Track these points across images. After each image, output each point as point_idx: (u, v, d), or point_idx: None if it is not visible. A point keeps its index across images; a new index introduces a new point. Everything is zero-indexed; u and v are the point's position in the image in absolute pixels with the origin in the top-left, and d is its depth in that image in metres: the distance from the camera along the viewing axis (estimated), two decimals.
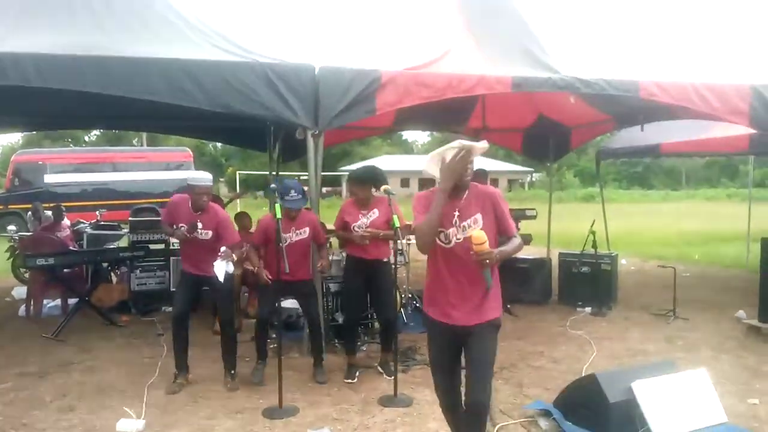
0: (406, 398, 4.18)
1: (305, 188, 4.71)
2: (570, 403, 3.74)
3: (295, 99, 4.95)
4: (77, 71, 4.49)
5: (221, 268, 4.35)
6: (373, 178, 4.83)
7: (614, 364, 5.02)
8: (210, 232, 4.50)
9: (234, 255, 4.51)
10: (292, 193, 4.41)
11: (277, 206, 4.04)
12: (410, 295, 6.51)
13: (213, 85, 4.74)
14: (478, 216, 2.83)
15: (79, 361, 5.13)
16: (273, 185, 4.24)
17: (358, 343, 5.41)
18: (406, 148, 64.34)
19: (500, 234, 2.90)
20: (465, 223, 2.82)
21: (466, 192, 2.87)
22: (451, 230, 2.83)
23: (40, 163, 17.95)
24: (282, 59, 5.05)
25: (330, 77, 5.01)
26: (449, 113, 8.20)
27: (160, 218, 5.55)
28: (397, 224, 4.12)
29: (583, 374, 4.66)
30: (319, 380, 4.51)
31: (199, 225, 4.43)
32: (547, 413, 3.81)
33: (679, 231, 16.75)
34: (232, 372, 4.62)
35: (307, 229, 4.60)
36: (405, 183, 44.35)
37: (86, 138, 46.01)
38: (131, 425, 3.69)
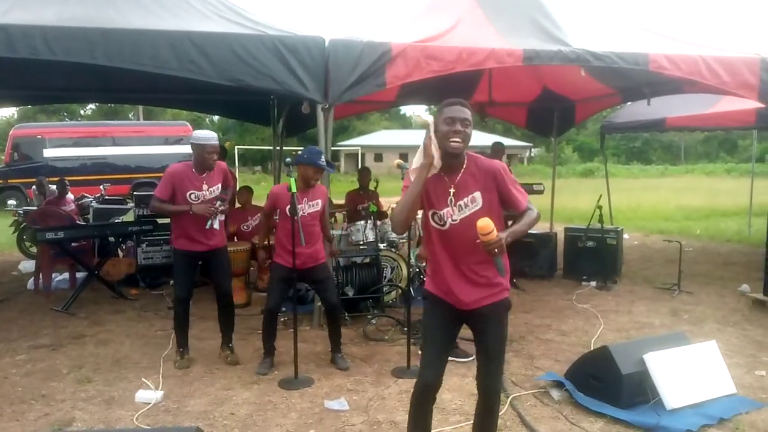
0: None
1: None
2: (582, 375, 3.80)
3: (304, 72, 4.91)
4: (85, 43, 4.44)
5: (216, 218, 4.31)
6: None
7: (622, 336, 5.08)
8: (219, 185, 4.41)
9: (225, 206, 4.37)
10: (322, 158, 4.26)
11: (292, 180, 3.98)
12: (417, 270, 6.54)
13: (222, 58, 4.70)
14: (477, 194, 2.53)
15: (91, 334, 5.17)
16: (289, 159, 4.15)
17: (368, 317, 5.47)
18: (405, 123, 63.90)
19: (508, 209, 2.62)
20: (462, 202, 2.53)
21: (463, 167, 2.56)
22: (446, 210, 2.55)
23: (39, 137, 17.82)
24: (292, 31, 5.00)
25: (340, 50, 4.97)
26: (453, 87, 8.12)
27: None
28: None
29: (592, 347, 4.74)
30: (340, 366, 4.35)
31: (205, 186, 4.29)
32: (559, 384, 3.87)
33: (679, 205, 16.81)
34: (230, 345, 4.57)
35: (320, 201, 4.38)
36: (404, 158, 43.79)
37: (82, 112, 45.60)
38: (150, 396, 3.74)
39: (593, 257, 7.21)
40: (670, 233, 11.74)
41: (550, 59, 5.46)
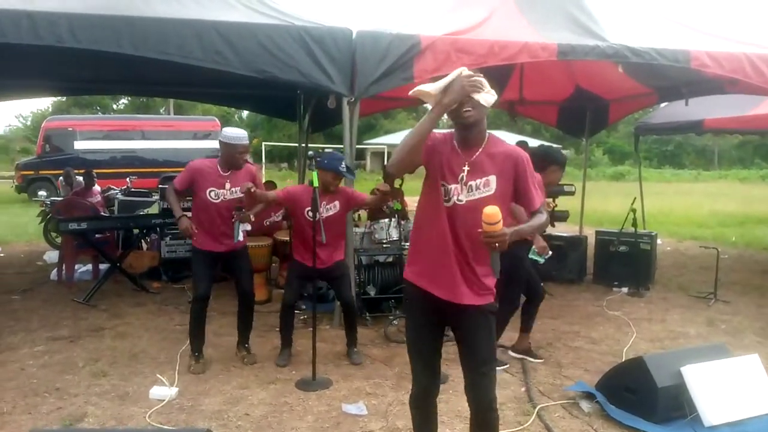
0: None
1: None
2: (614, 386, 3.59)
3: (331, 64, 4.79)
4: (111, 31, 4.37)
5: (239, 229, 4.19)
6: None
7: (655, 346, 4.85)
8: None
9: (251, 215, 4.23)
10: (344, 164, 4.13)
11: (314, 174, 3.87)
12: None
13: (247, 49, 4.60)
14: (492, 178, 2.29)
15: (110, 327, 5.13)
16: (311, 152, 4.03)
17: (390, 317, 5.32)
18: None
19: (519, 205, 2.43)
20: (473, 183, 2.29)
21: (482, 146, 2.34)
22: (454, 187, 2.31)
23: (70, 129, 18.09)
24: (319, 22, 4.87)
25: (368, 42, 4.83)
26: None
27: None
28: None
29: (624, 357, 4.53)
30: (354, 362, 4.33)
31: (227, 185, 4.15)
32: (589, 396, 3.67)
33: (713, 211, 16.30)
34: (246, 345, 4.47)
35: (338, 203, 4.26)
36: None
37: (114, 106, 46.34)
38: (165, 392, 3.65)
39: (625, 262, 6.94)
40: (704, 239, 11.37)
41: (586, 54, 5.24)
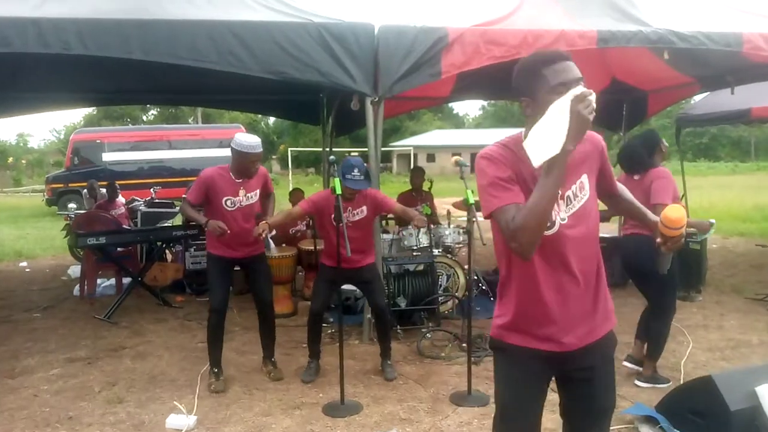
0: (482, 396, 3.72)
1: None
2: (679, 409, 3.19)
3: (352, 62, 4.49)
4: (121, 36, 4.15)
5: (268, 240, 4.07)
6: None
7: (716, 357, 4.42)
8: (258, 191, 4.09)
9: (268, 221, 4.00)
10: (355, 172, 3.85)
11: (337, 181, 3.57)
12: (475, 277, 6.01)
13: (263, 49, 4.34)
14: (585, 179, 1.82)
15: (130, 346, 4.90)
16: (332, 157, 3.74)
17: (423, 330, 4.98)
18: (457, 122, 63.20)
19: (608, 197, 2.02)
20: (570, 192, 1.78)
21: None
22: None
23: (98, 141, 18.22)
24: (338, 18, 4.58)
25: (391, 37, 4.51)
26: None
27: None
28: (472, 200, 3.60)
29: (682, 370, 4.13)
30: (388, 377, 4.04)
31: (242, 192, 3.98)
32: (650, 420, 3.28)
33: (756, 205, 15.52)
34: (272, 359, 4.26)
35: (365, 208, 4.04)
36: (459, 155, 43.45)
37: (144, 118, 47.03)
38: (182, 422, 3.37)
39: (674, 264, 6.45)
40: (751, 235, 10.78)
41: (628, 41, 4.84)
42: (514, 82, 1.78)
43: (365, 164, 4.00)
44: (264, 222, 3.94)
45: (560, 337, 1.80)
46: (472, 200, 3.56)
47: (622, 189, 2.06)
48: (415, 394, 3.83)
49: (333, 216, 3.86)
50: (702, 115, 9.06)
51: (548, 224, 1.71)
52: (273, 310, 4.26)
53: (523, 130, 1.81)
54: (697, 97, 9.46)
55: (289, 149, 31.24)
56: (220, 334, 4.06)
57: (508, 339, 1.88)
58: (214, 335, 4.03)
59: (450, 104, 41.15)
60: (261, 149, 3.98)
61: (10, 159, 42.10)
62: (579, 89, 1.58)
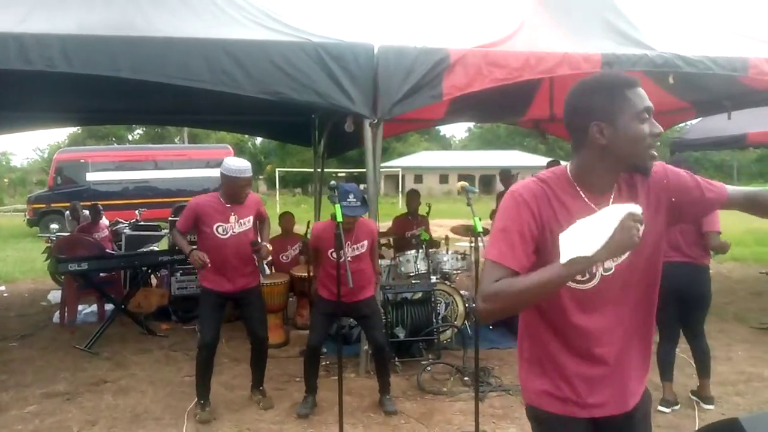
0: None
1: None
2: None
3: (351, 83, 4.34)
4: (108, 54, 3.96)
5: (263, 264, 3.97)
6: None
7: (728, 392, 4.25)
8: (251, 218, 3.92)
9: (268, 245, 3.91)
10: (351, 198, 3.67)
11: (338, 208, 3.37)
12: (474, 305, 5.80)
13: (259, 69, 4.17)
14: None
15: (112, 380, 4.61)
16: (333, 182, 3.55)
17: (422, 363, 4.76)
18: (444, 144, 63.44)
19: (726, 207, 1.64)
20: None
21: (621, 184, 1.57)
22: None
23: (82, 161, 17.87)
24: (337, 38, 4.43)
25: (391, 57, 4.37)
26: (507, 101, 7.45)
27: None
28: (480, 228, 3.42)
29: (696, 409, 3.93)
30: (387, 410, 3.85)
31: (233, 218, 3.83)
32: None
33: (747, 229, 15.52)
34: (261, 388, 4.14)
35: (366, 243, 3.91)
36: (444, 179, 43.56)
37: (129, 137, 46.62)
38: None
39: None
40: (744, 260, 10.70)
41: (633, 65, 4.72)
42: (580, 102, 1.52)
43: (361, 192, 3.82)
44: (266, 245, 3.85)
45: (595, 405, 1.60)
46: (480, 228, 3.37)
47: (733, 189, 1.66)
48: None
49: (331, 251, 3.76)
50: (697, 140, 9.05)
51: (583, 279, 1.52)
52: (266, 346, 4.13)
53: (567, 164, 1.61)
54: (692, 121, 9.45)
55: (277, 170, 31.08)
56: (209, 371, 3.89)
57: (545, 404, 1.63)
58: (202, 371, 3.85)
59: (437, 126, 41.43)
60: (251, 173, 3.86)
61: None
62: (639, 209, 1.34)
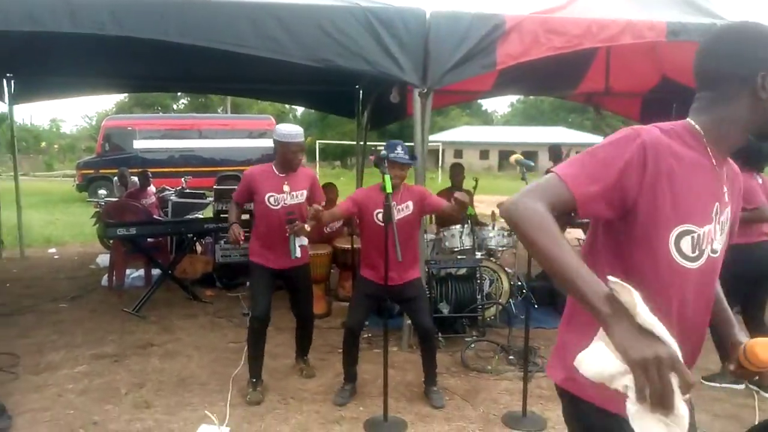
0: (538, 418, 3.40)
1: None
2: None
3: (400, 50, 4.20)
4: (156, 17, 3.92)
5: (295, 244, 3.70)
6: None
7: None
8: (304, 192, 3.81)
9: (307, 225, 3.68)
10: (399, 149, 3.50)
11: (387, 178, 3.25)
12: (519, 282, 5.67)
13: (306, 34, 4.07)
14: (728, 210, 1.43)
15: (159, 343, 4.68)
16: (384, 152, 3.42)
17: (467, 339, 4.68)
18: (486, 119, 62.36)
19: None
20: (724, 217, 1.40)
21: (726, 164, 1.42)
22: (707, 229, 1.33)
23: (129, 128, 18.18)
24: (387, 3, 4.28)
25: (443, 23, 4.20)
26: (560, 72, 7.15)
27: None
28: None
29: (755, 396, 3.75)
30: (435, 404, 3.61)
31: (286, 187, 3.73)
32: None
33: None
34: (305, 357, 4.14)
35: (411, 204, 3.63)
36: (484, 155, 42.90)
37: (174, 106, 47.32)
38: None
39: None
40: None
41: (701, 34, 4.42)
42: (743, 48, 1.34)
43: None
44: (302, 224, 3.60)
45: None
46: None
47: None
48: (463, 412, 3.52)
49: (377, 212, 3.52)
50: None
51: (695, 255, 1.33)
52: (312, 323, 4.10)
53: (687, 119, 1.40)
54: None
55: (317, 141, 31.10)
56: (262, 345, 3.75)
57: (613, 407, 1.27)
58: (255, 345, 3.73)
59: (480, 100, 40.55)
60: (302, 138, 3.75)
61: (43, 143, 42.74)
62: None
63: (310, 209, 3.41)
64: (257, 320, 3.68)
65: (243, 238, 3.74)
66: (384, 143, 3.66)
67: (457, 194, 3.44)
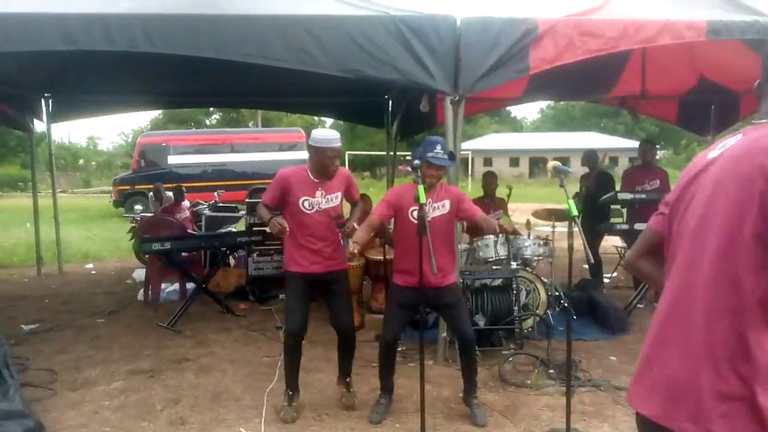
0: None
1: None
2: None
3: (431, 58, 4.13)
4: (189, 33, 3.95)
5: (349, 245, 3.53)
6: None
7: None
8: (339, 194, 3.68)
9: (354, 223, 3.60)
10: (438, 148, 3.40)
11: (421, 189, 3.17)
12: (556, 293, 5.52)
13: (337, 45, 4.04)
14: None
15: (194, 358, 4.68)
16: (417, 161, 3.35)
17: (504, 353, 4.55)
18: (515, 126, 61.75)
19: None
20: None
21: None
22: None
23: (164, 144, 18.53)
24: (417, 10, 4.23)
25: (474, 29, 4.13)
26: (593, 76, 7.00)
27: None
28: (575, 212, 3.12)
29: None
30: (478, 422, 3.46)
31: (319, 192, 3.58)
32: None
33: None
34: (347, 380, 3.85)
35: (447, 203, 3.52)
36: (514, 162, 42.45)
37: (207, 122, 48.18)
38: None
39: None
40: None
41: (743, 32, 4.28)
42: None
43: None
44: (355, 243, 3.38)
45: None
46: (575, 211, 3.09)
47: None
48: (503, 429, 3.41)
49: (412, 210, 3.41)
50: None
51: None
52: (354, 335, 3.82)
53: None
54: None
55: (347, 152, 31.22)
56: (297, 360, 3.67)
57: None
58: (290, 360, 3.65)
59: (509, 107, 40.18)
60: (339, 143, 3.60)
61: (81, 161, 43.95)
62: None
63: (349, 246, 3.34)
64: (292, 337, 3.58)
65: (288, 228, 3.54)
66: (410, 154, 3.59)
67: (504, 224, 3.47)
